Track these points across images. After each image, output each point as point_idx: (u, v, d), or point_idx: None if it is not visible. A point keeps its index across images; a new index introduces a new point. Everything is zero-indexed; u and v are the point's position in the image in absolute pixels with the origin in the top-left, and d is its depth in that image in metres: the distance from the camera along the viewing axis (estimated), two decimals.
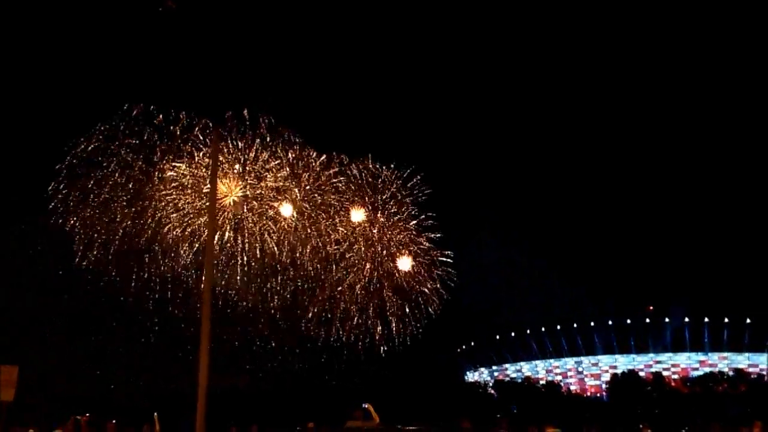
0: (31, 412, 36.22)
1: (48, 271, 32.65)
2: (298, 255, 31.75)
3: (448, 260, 34.28)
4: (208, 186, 29.69)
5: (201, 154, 29.83)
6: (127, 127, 29.58)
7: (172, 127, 29.78)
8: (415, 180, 33.30)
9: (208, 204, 29.88)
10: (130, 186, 29.95)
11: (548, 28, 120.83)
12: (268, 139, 30.52)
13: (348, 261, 32.83)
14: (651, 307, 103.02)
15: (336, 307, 33.15)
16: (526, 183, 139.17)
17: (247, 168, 30.47)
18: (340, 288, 32.72)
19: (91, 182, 29.60)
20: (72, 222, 29.96)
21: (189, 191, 30.22)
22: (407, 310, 34.00)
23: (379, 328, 34.02)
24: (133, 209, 30.02)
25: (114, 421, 35.11)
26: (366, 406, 21.91)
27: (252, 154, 30.39)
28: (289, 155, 31.04)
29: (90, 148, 29.36)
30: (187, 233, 30.56)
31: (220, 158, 29.15)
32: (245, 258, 31.35)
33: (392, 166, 33.14)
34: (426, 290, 33.87)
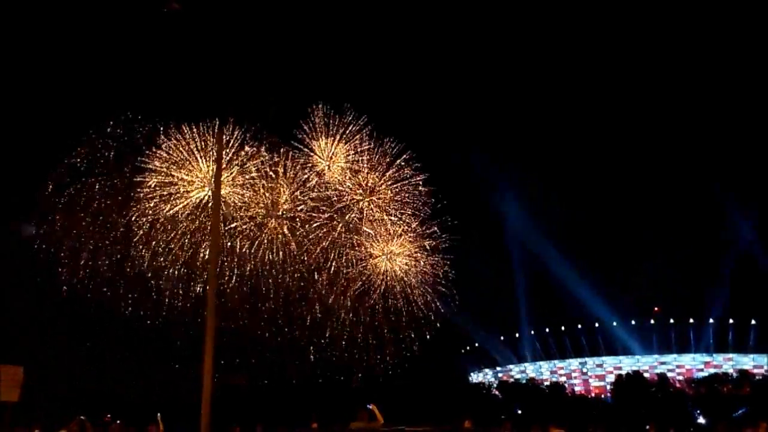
0: (33, 411, 36.16)
1: (47, 273, 32.31)
2: (288, 263, 31.04)
3: (448, 269, 33.29)
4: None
5: (192, 160, 29.30)
6: (116, 136, 28.85)
7: (160, 136, 29.17)
8: (420, 187, 32.45)
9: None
10: (118, 199, 29.19)
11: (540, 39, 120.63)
12: (254, 146, 29.90)
13: (340, 271, 31.99)
14: (657, 309, 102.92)
15: (329, 320, 32.31)
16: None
17: (234, 175, 29.85)
18: (330, 301, 31.99)
19: (79, 196, 28.76)
20: (56, 243, 29.11)
21: (175, 201, 29.60)
22: (403, 320, 33.11)
23: (375, 352, 33.18)
24: (121, 219, 29.30)
25: (118, 422, 35.10)
26: (370, 406, 21.76)
27: (238, 161, 29.74)
28: (275, 160, 30.43)
29: (77, 160, 28.60)
30: (174, 243, 29.95)
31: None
32: (235, 268, 30.71)
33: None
34: (422, 304, 32.99)
